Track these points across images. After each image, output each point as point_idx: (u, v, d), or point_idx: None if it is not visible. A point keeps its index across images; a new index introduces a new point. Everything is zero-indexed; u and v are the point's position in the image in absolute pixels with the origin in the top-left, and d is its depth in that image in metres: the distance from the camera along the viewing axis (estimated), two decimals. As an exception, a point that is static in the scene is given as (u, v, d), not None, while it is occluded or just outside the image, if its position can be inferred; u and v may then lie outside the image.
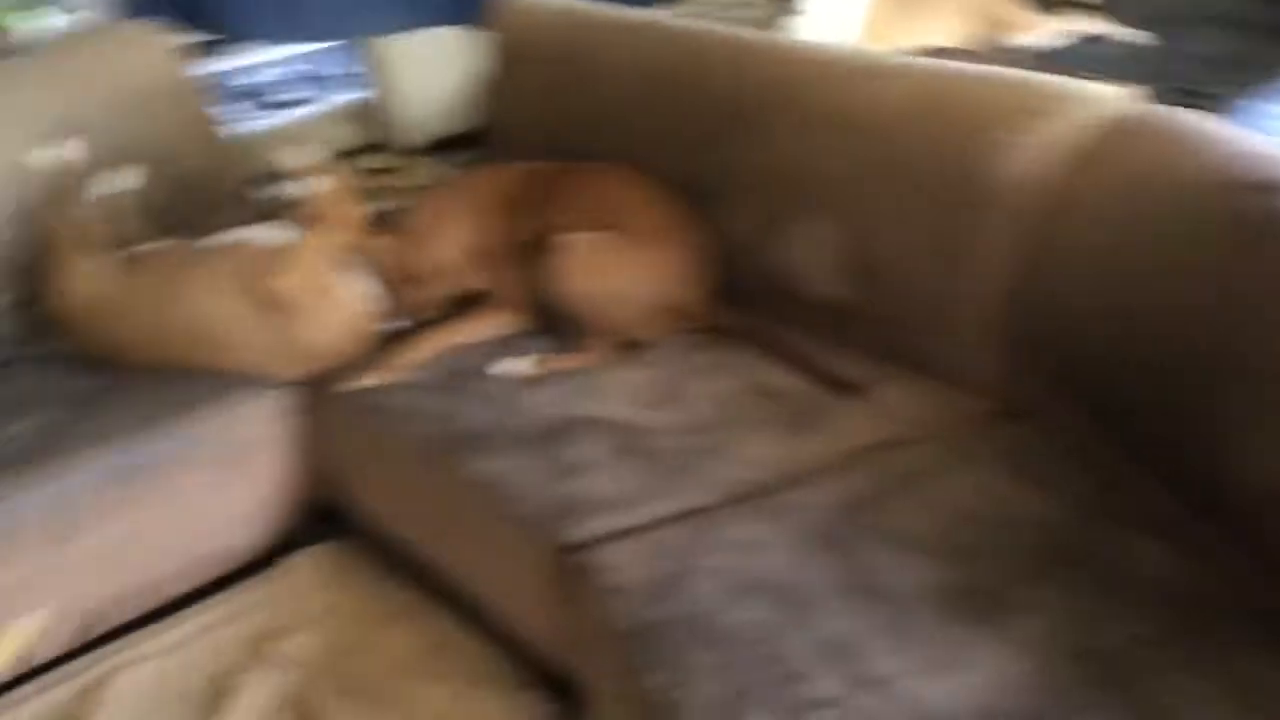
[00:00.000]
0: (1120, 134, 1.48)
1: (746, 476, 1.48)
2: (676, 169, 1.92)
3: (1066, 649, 1.15)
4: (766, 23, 2.63)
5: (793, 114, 1.78)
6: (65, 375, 1.91)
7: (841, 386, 1.64)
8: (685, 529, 1.38)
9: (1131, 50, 2.86)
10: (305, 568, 1.93)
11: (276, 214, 1.95)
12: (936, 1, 2.98)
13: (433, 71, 3.55)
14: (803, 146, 1.76)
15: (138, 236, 2.07)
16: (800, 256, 1.77)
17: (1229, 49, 2.73)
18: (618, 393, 1.69)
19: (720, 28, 2.10)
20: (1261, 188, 1.25)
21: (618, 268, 1.78)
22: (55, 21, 2.71)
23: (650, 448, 1.55)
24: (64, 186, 2.06)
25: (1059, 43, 2.92)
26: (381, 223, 1.98)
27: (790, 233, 1.78)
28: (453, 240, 1.92)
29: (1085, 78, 1.60)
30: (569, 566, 1.40)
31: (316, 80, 3.96)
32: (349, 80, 3.77)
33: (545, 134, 2.19)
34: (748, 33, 2.06)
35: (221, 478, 1.84)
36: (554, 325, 1.82)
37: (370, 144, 3.91)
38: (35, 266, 2.06)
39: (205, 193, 2.39)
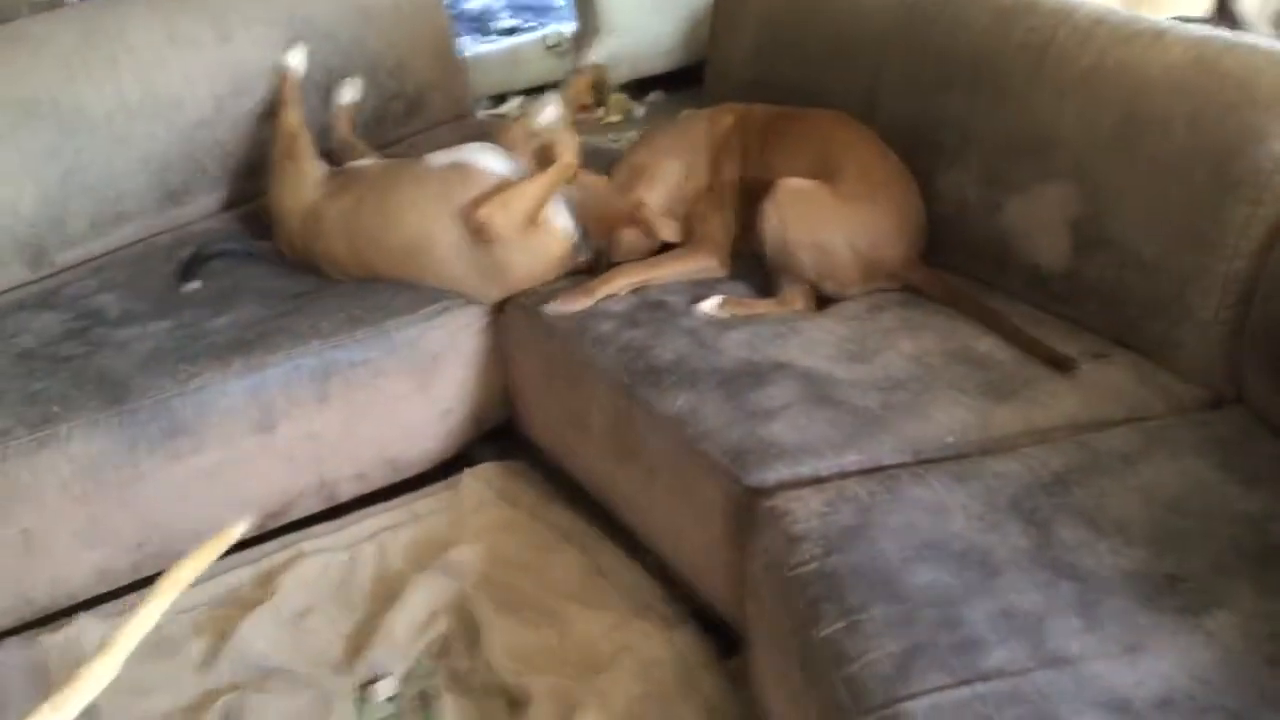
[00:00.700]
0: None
1: (939, 438, 1.46)
2: (908, 117, 1.87)
3: (1260, 649, 1.10)
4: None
5: (1045, 73, 1.69)
6: (273, 275, 2.01)
7: (1051, 360, 1.59)
8: (872, 483, 1.37)
9: None
10: (476, 483, 1.99)
11: (499, 138, 1.99)
12: None
13: (649, 5, 3.57)
14: (1050, 108, 1.67)
15: (360, 148, 2.16)
16: (1031, 222, 1.71)
17: None
18: (815, 342, 1.67)
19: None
20: None
21: (830, 219, 1.76)
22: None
23: (843, 399, 1.53)
24: (290, 93, 2.15)
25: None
26: (595, 160, 2.01)
27: (1024, 196, 1.71)
28: (664, 183, 1.92)
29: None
30: (753, 508, 1.41)
31: (535, 10, 4.02)
32: (567, 10, 3.82)
33: (768, 70, 2.15)
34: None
35: (410, 387, 1.91)
36: (761, 270, 1.82)
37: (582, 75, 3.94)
38: (255, 169, 2.18)
39: (432, 110, 2.47)
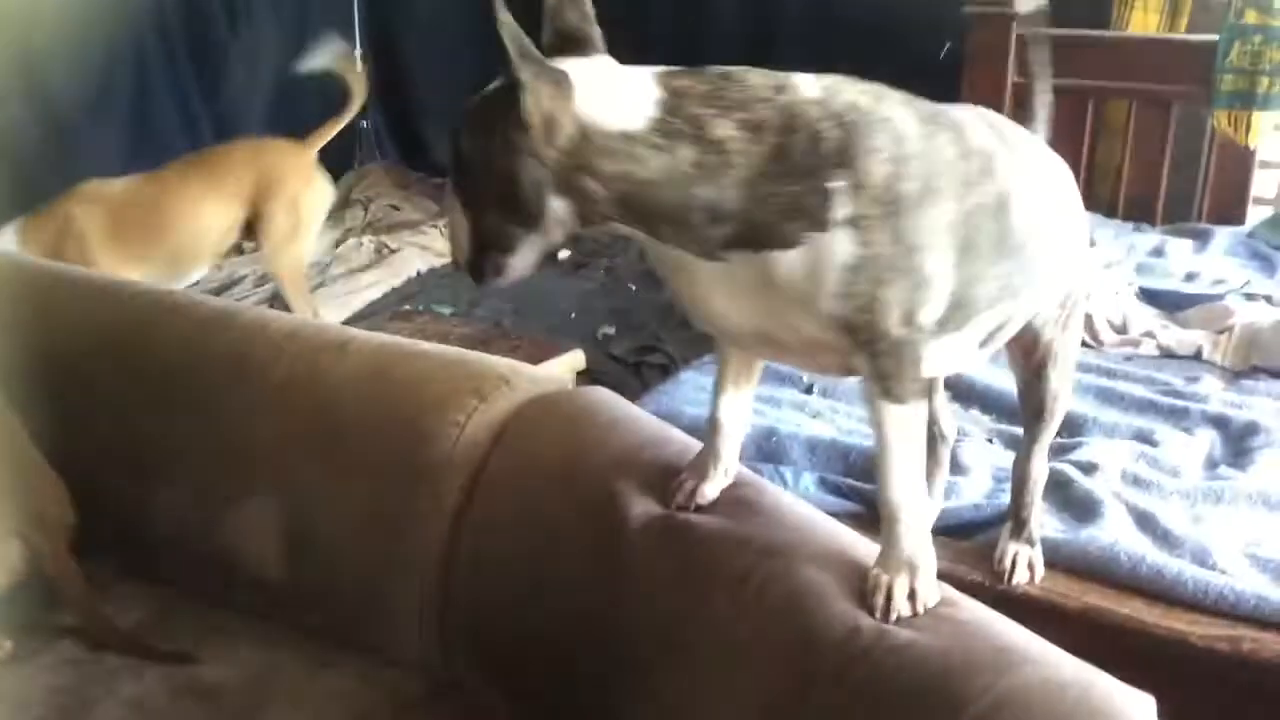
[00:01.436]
0: (535, 413, 1.54)
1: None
2: (121, 439, 1.79)
3: None
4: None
5: (244, 386, 1.70)
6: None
7: (167, 656, 1.56)
8: None
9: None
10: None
11: None
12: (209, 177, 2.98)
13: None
14: (249, 421, 1.69)
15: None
16: (248, 535, 1.67)
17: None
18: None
19: (186, 293, 2.02)
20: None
21: None
22: None
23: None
24: None
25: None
26: None
27: (237, 510, 1.68)
28: None
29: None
30: None
31: None
32: None
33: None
34: (212, 301, 1.99)
35: None
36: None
37: None
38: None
39: None
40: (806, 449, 1.88)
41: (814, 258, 1.04)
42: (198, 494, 1.72)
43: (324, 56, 3.14)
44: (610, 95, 1.05)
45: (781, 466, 1.80)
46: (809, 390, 2.14)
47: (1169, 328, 2.54)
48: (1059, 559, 1.64)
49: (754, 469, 1.79)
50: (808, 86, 1.08)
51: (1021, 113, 1.61)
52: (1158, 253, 3.07)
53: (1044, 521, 1.70)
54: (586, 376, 2.53)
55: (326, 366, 1.66)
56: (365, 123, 4.86)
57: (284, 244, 3.00)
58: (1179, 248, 3.11)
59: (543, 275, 2.07)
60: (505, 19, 1.01)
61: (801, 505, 1.30)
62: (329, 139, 3.15)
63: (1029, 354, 1.47)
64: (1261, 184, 3.65)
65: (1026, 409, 1.55)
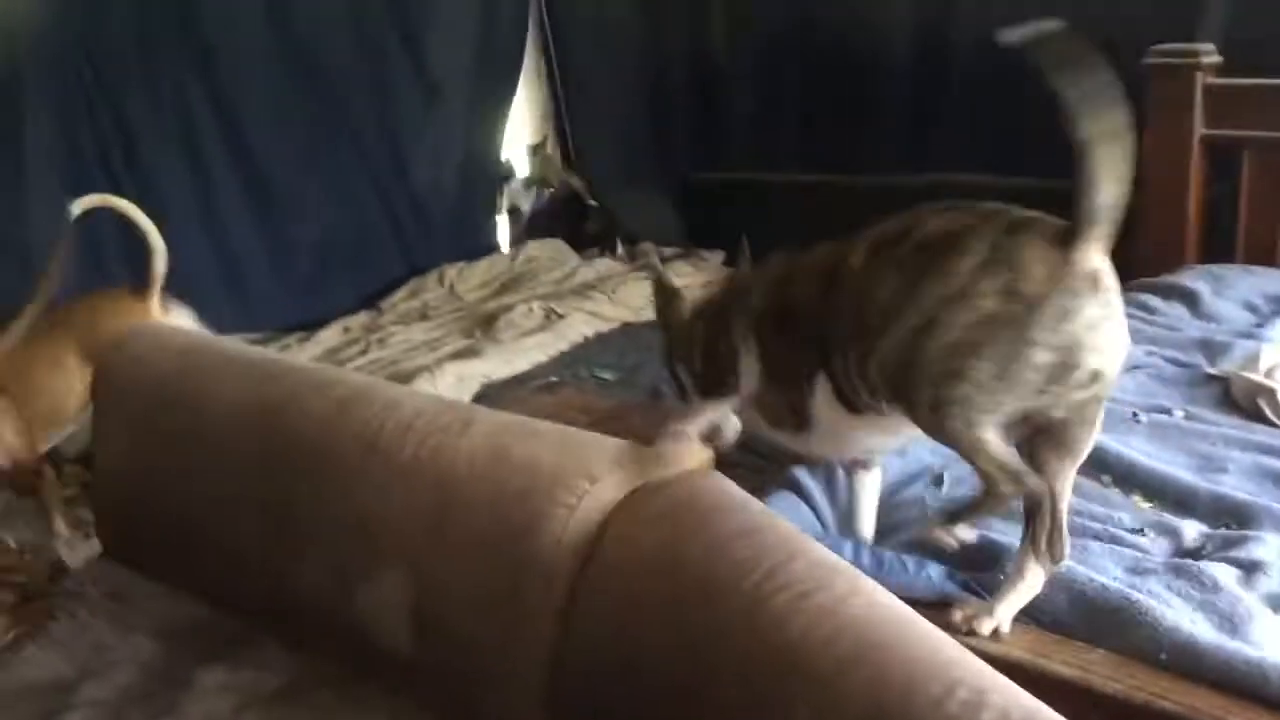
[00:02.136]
0: (642, 498, 1.54)
1: None
2: (259, 506, 1.87)
3: None
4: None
5: (373, 463, 1.77)
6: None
7: None
8: None
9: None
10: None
11: None
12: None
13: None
14: (379, 497, 1.75)
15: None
16: (379, 609, 1.73)
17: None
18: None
19: (330, 370, 2.12)
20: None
21: None
22: None
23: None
24: None
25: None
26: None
27: (369, 583, 1.74)
28: None
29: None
30: None
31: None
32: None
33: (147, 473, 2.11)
34: (352, 378, 2.09)
35: None
36: None
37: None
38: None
39: None
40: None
41: None
42: (334, 567, 1.79)
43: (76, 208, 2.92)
44: None
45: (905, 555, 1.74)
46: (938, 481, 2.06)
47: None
48: (1203, 670, 1.51)
49: (878, 553, 1.75)
50: None
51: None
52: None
53: (1193, 620, 1.59)
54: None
55: (449, 445, 1.70)
56: (525, 207, 5.10)
57: None
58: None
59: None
60: None
61: (895, 602, 1.25)
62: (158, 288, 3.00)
63: None
64: None
65: None
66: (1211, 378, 2.49)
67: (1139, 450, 2.10)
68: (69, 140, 3.87)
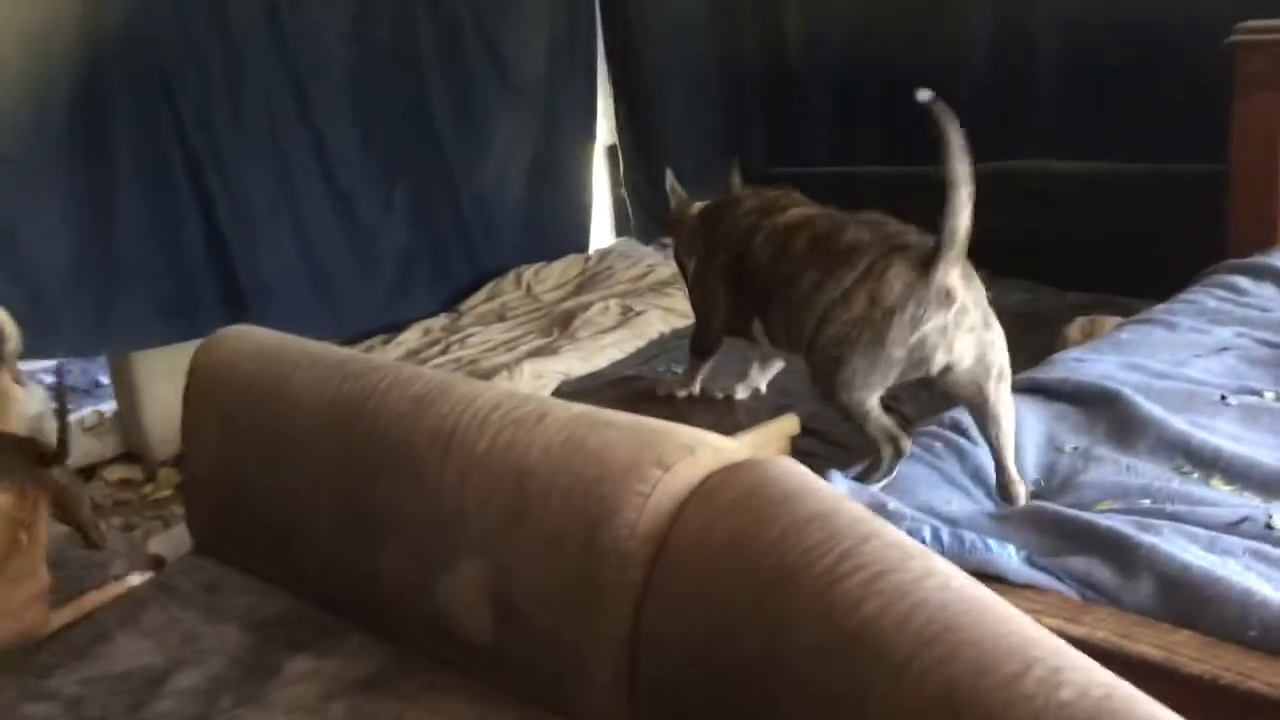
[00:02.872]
0: (715, 485, 1.55)
1: None
2: (345, 502, 1.92)
3: None
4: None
5: (451, 456, 1.80)
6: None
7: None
8: None
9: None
10: None
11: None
12: None
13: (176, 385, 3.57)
14: (457, 488, 1.78)
15: None
16: (459, 598, 1.76)
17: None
18: None
19: (408, 368, 2.15)
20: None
21: None
22: None
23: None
24: None
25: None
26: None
27: (449, 574, 1.77)
28: None
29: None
30: None
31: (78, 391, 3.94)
32: (97, 392, 3.75)
33: (230, 463, 2.17)
34: (428, 375, 2.12)
35: None
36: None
37: (120, 455, 3.86)
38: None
39: None
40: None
41: None
42: (415, 558, 1.82)
43: None
44: None
45: (989, 536, 1.72)
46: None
47: None
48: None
49: (959, 534, 1.73)
50: None
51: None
52: None
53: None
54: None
55: (524, 437, 1.72)
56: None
57: None
58: None
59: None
60: None
61: (971, 583, 1.24)
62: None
63: None
64: None
65: None
66: (1304, 359, 2.42)
67: (1224, 434, 2.05)
68: (160, 159, 4.00)
